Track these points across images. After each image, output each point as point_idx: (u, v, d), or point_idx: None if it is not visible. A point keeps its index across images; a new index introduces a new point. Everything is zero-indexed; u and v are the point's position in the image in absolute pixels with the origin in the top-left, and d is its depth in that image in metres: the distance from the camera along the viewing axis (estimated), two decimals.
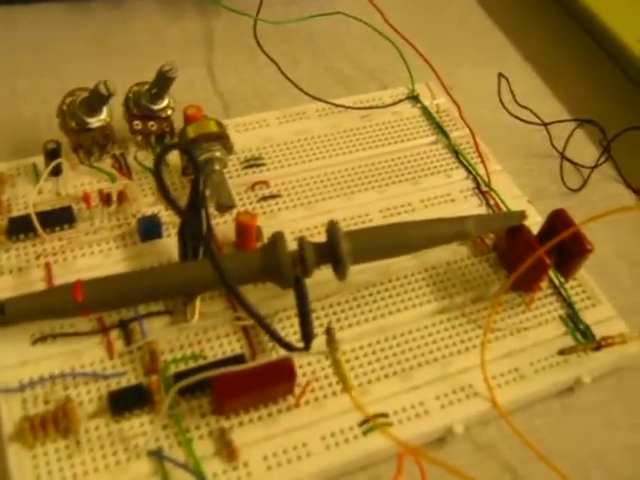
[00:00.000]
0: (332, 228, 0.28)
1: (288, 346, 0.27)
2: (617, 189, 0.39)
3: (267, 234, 0.30)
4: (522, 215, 0.31)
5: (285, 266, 0.28)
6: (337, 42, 0.44)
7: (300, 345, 0.27)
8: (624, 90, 0.44)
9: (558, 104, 0.43)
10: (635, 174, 0.39)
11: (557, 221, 0.30)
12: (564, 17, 0.49)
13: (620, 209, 0.27)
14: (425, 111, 0.39)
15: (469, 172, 0.36)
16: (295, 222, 0.33)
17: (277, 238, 0.28)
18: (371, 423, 0.27)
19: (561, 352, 0.29)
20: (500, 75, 0.40)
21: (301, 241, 0.28)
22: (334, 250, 0.28)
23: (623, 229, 0.37)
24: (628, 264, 0.35)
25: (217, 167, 0.32)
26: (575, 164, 0.39)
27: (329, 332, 0.26)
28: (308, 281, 0.29)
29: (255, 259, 0.28)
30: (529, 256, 0.29)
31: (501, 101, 0.40)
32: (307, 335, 0.27)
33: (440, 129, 0.38)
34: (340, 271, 0.28)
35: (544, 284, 0.32)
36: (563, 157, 0.39)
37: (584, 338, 0.30)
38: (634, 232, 0.37)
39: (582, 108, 0.42)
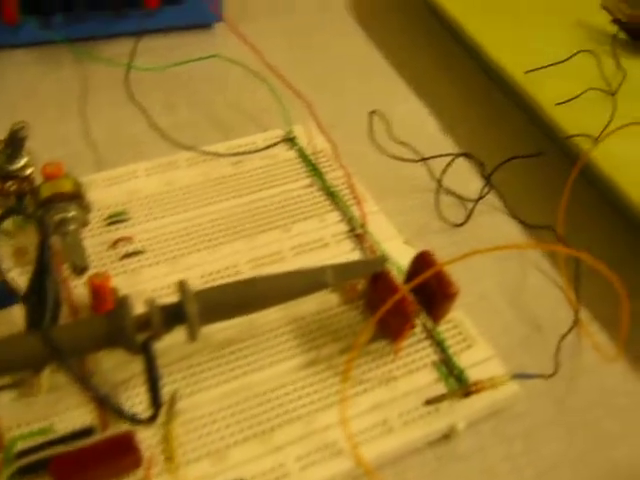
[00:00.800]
0: (180, 288, 0.27)
1: (131, 418, 0.26)
2: (503, 220, 0.38)
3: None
4: (383, 260, 0.30)
5: (130, 332, 0.26)
6: (217, 86, 0.43)
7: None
8: (513, 119, 0.44)
9: (446, 136, 0.42)
10: (521, 204, 0.38)
11: (421, 264, 0.29)
12: (454, 48, 0.48)
13: (473, 252, 0.26)
14: (301, 153, 0.38)
15: (344, 215, 0.35)
16: (158, 280, 0.32)
17: (121, 303, 0.27)
18: None
19: (428, 402, 0.28)
20: (372, 113, 0.40)
21: (149, 304, 0.27)
22: (181, 312, 0.27)
23: (507, 263, 0.36)
24: (509, 300, 0.34)
25: (72, 227, 0.31)
26: (459, 198, 0.38)
27: (171, 401, 0.25)
28: (166, 342, 0.28)
29: (101, 325, 0.27)
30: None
31: (373, 139, 0.40)
32: (155, 403, 0.26)
33: (316, 171, 0.37)
34: (190, 333, 0.27)
35: (417, 329, 0.31)
36: (441, 191, 0.38)
37: (458, 383, 0.29)
38: (517, 266, 0.36)
39: (470, 139, 0.42)
